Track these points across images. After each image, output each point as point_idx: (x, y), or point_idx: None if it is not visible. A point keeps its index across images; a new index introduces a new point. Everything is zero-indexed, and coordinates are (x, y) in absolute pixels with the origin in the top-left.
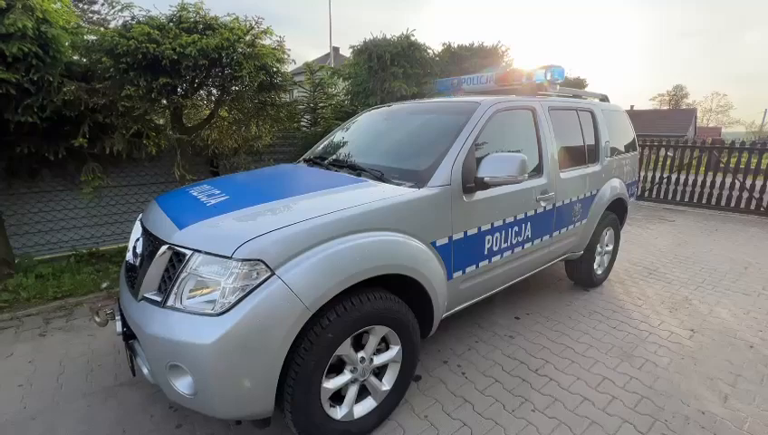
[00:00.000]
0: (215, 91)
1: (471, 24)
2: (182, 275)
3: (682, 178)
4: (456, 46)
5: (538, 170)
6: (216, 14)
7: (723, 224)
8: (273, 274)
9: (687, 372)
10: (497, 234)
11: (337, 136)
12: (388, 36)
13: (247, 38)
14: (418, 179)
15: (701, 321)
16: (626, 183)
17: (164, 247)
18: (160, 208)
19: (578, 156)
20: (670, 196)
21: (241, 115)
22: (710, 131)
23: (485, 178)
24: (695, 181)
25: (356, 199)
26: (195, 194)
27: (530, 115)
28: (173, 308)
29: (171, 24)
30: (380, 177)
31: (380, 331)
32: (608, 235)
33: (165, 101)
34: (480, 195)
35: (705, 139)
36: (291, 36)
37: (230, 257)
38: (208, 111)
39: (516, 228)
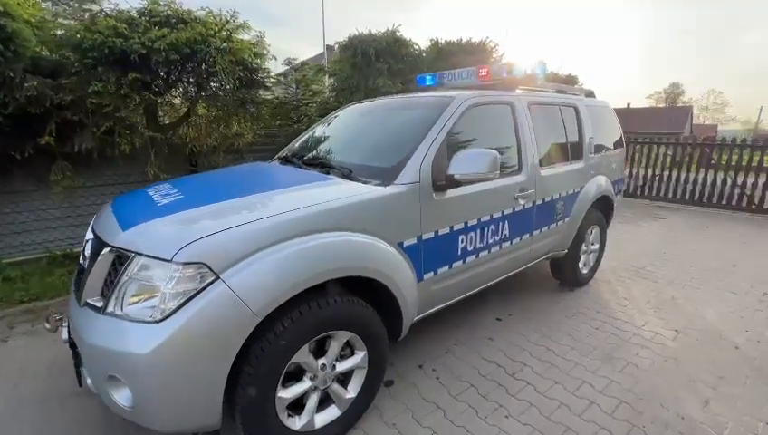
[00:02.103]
0: (191, 87)
1: (470, 20)
2: (123, 280)
3: (675, 175)
4: (443, 42)
5: (517, 167)
6: (189, 8)
7: (714, 221)
8: (217, 277)
9: (669, 374)
10: (472, 233)
11: (313, 133)
12: (375, 32)
13: (222, 33)
14: (386, 177)
15: (686, 321)
16: (612, 180)
17: (106, 249)
18: (111, 209)
19: (560, 153)
20: (663, 193)
21: (220, 112)
22: (706, 129)
23: (456, 176)
24: (687, 178)
25: (316, 198)
26: (151, 193)
27: (508, 110)
28: (113, 315)
29: (142, 17)
30: (348, 174)
31: (343, 336)
32: (593, 233)
33: (138, 98)
34: (452, 193)
35: (698, 136)
36: (288, 35)
37: (170, 261)
38: (185, 109)
39: (493, 227)
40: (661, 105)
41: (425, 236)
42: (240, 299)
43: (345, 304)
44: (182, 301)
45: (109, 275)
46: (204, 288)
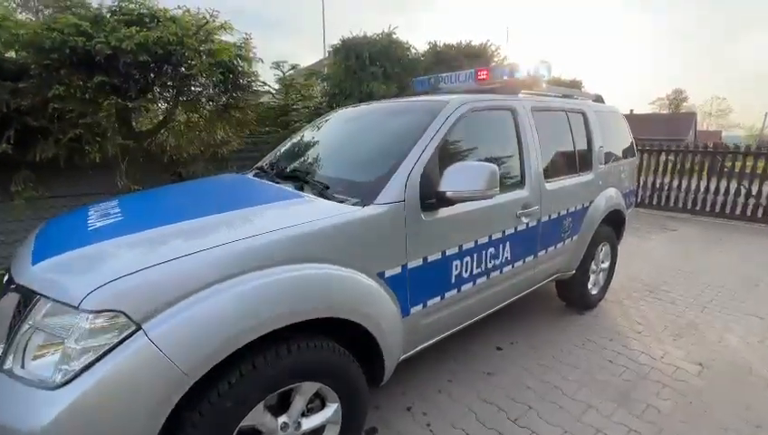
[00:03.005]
0: (169, 91)
1: (473, 25)
2: (23, 328)
3: (684, 183)
4: (442, 45)
5: (519, 181)
6: (164, 7)
7: (728, 233)
8: (138, 328)
9: (697, 421)
10: (467, 258)
11: (296, 140)
12: (370, 34)
13: (200, 33)
14: (366, 194)
15: (710, 352)
16: (623, 192)
17: (11, 287)
18: (35, 234)
19: (567, 163)
20: (672, 203)
21: (201, 119)
22: (710, 135)
23: (447, 193)
24: (697, 187)
25: (276, 222)
26: (89, 214)
27: (509, 116)
28: (9, 373)
29: (113, 15)
30: (323, 191)
31: (310, 388)
32: (603, 251)
33: (107, 103)
34: (444, 212)
35: (707, 143)
36: (292, 41)
37: (77, 307)
38: (163, 114)
39: (492, 250)
40: (664, 111)
41: (411, 265)
42: (166, 356)
43: (312, 351)
44: (91, 359)
45: (14, 319)
46: (120, 342)
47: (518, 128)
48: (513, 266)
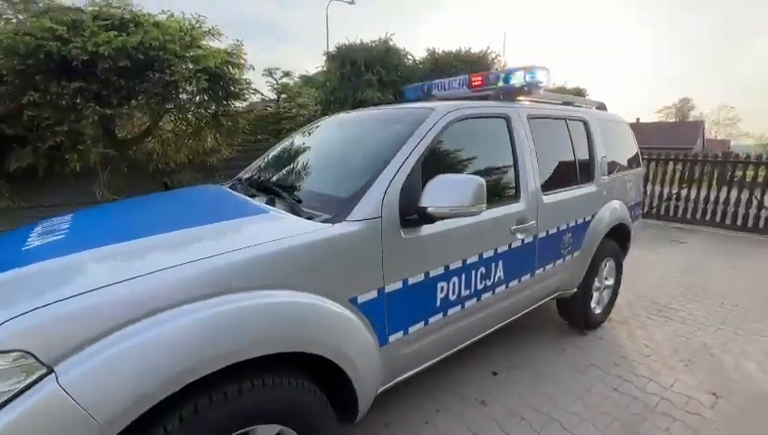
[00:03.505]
0: (154, 98)
1: (477, 33)
2: None
3: (693, 193)
4: (440, 52)
5: (514, 194)
6: (148, 11)
7: (740, 246)
8: (49, 372)
9: None
10: (455, 279)
11: (278, 150)
12: (366, 41)
13: (186, 38)
14: (338, 210)
15: (725, 380)
16: (628, 205)
17: None
18: None
19: (567, 175)
20: (680, 213)
21: (189, 127)
22: (719, 144)
23: (428, 209)
24: (707, 198)
25: (231, 242)
26: (34, 231)
27: (503, 125)
28: None
29: (95, 20)
30: (293, 205)
31: (268, 431)
32: (607, 267)
33: (87, 110)
34: (428, 229)
35: (717, 152)
36: (299, 50)
37: None
38: (149, 122)
39: (483, 270)
40: (671, 120)
41: (389, 288)
42: (79, 406)
43: (270, 389)
44: None
45: None
46: (27, 388)
47: (513, 137)
48: (507, 287)
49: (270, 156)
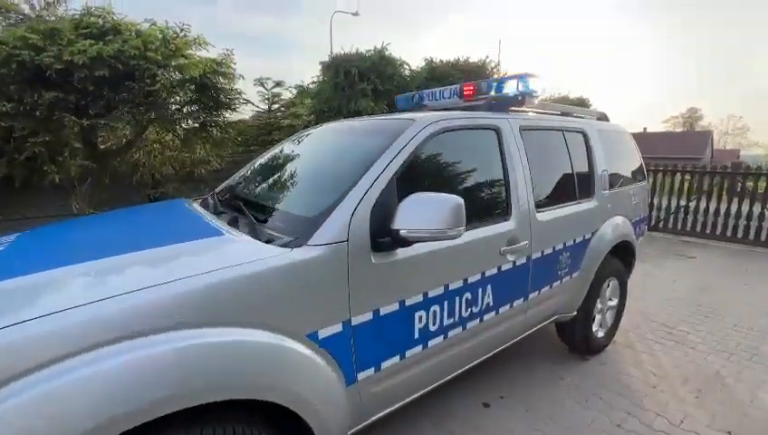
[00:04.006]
0: (138, 109)
1: (478, 43)
2: None
3: (702, 206)
4: (437, 61)
5: (503, 212)
6: (131, 20)
7: (753, 262)
8: None
9: None
10: (435, 307)
11: (256, 163)
12: (362, 50)
13: (169, 47)
14: (301, 232)
15: (740, 415)
16: (632, 220)
17: None
18: None
19: (564, 189)
20: (689, 226)
21: (176, 137)
22: (727, 154)
23: (402, 232)
24: (717, 210)
25: (165, 272)
26: None
27: (492, 137)
28: None
29: (78, 29)
30: (253, 226)
31: None
32: (610, 287)
33: (65, 121)
34: (403, 253)
35: (726, 162)
36: (304, 62)
37: None
38: (133, 133)
39: (468, 296)
40: (679, 130)
41: (357, 320)
42: None
43: None
44: None
45: None
46: None
47: (503, 150)
48: (497, 313)
49: (247, 169)
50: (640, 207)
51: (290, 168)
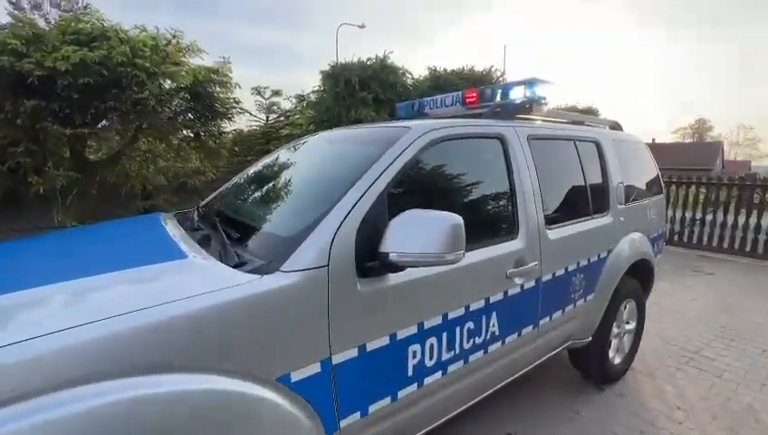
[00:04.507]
0: (127, 117)
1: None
2: None
3: (719, 219)
4: (441, 70)
5: (510, 229)
6: (120, 26)
7: None
8: None
9: None
10: (432, 340)
11: (245, 174)
12: (364, 59)
13: (159, 54)
14: (275, 255)
15: None
16: (650, 236)
17: None
18: None
19: (577, 204)
20: (704, 240)
21: (169, 147)
22: (739, 165)
23: (391, 256)
24: (734, 223)
25: (110, 306)
26: None
27: (497, 147)
28: None
29: (65, 35)
30: (224, 247)
31: None
32: (627, 309)
33: (50, 129)
34: (395, 279)
35: (742, 173)
36: (313, 74)
37: None
38: (122, 142)
39: (471, 325)
40: (688, 141)
41: (339, 358)
42: None
43: None
44: None
45: None
46: None
47: (509, 161)
48: (503, 343)
49: (232, 182)
50: (658, 222)
51: (274, 180)
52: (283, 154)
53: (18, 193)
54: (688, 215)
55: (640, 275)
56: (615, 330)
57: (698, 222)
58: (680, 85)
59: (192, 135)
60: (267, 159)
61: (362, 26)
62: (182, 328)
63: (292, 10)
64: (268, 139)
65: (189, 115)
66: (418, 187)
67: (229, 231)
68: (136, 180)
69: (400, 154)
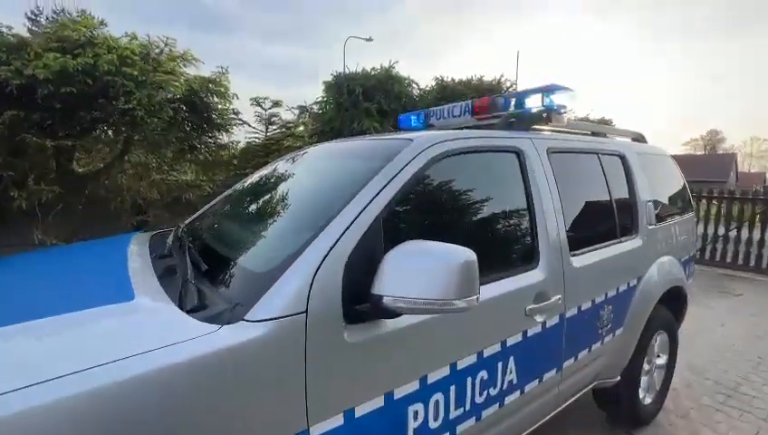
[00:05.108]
0: (113, 128)
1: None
2: None
3: (743, 235)
4: (449, 80)
5: (529, 258)
6: (110, 33)
7: None
8: None
9: None
10: (438, 396)
11: (231, 191)
12: (368, 69)
13: (149, 62)
14: (243, 297)
15: None
16: (681, 260)
17: None
18: None
19: (604, 226)
20: (729, 258)
21: (161, 159)
22: (754, 177)
23: (385, 299)
24: (762, 240)
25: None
26: None
27: (513, 162)
28: None
29: (44, 42)
30: (185, 283)
31: None
32: (658, 342)
33: (33, 141)
34: (392, 324)
35: (745, 184)
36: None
37: None
38: (113, 154)
39: (484, 375)
40: (699, 153)
41: (321, 428)
42: None
43: None
44: None
45: None
46: None
47: (527, 178)
48: (522, 392)
49: (219, 198)
50: (689, 244)
51: (254, 200)
52: (270, 170)
53: (4, 209)
54: (710, 230)
55: (672, 304)
56: (645, 366)
57: (721, 238)
58: (690, 97)
59: (187, 147)
60: (254, 176)
61: (370, 39)
62: (100, 405)
63: (309, 28)
64: (267, 151)
65: (187, 126)
66: (421, 210)
67: (199, 261)
68: (126, 195)
69: (400, 171)
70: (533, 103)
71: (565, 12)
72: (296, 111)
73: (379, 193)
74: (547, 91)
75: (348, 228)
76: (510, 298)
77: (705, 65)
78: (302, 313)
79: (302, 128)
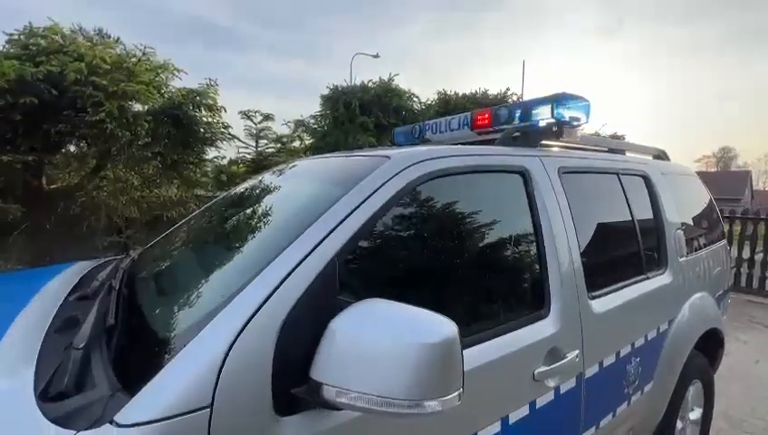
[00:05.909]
0: (82, 142)
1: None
2: None
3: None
4: (452, 94)
5: (537, 304)
6: (81, 40)
7: None
8: None
9: None
10: None
11: (195, 215)
12: (367, 81)
13: (121, 71)
14: (125, 381)
15: None
16: (715, 295)
17: None
18: None
19: (627, 261)
20: (755, 283)
21: (139, 175)
22: None
23: (325, 391)
24: None
25: None
26: None
27: (516, 185)
28: None
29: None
30: (66, 354)
31: None
32: (692, 392)
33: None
34: (346, 415)
35: (760, 202)
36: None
37: None
38: (85, 169)
39: None
40: (712, 170)
41: None
42: None
43: None
44: None
45: None
46: None
47: (534, 204)
48: None
49: (178, 224)
50: (723, 276)
51: (198, 234)
52: (233, 192)
53: None
54: (733, 253)
55: (707, 348)
56: (679, 424)
57: (746, 263)
58: (702, 112)
59: (170, 162)
60: (218, 198)
61: (376, 56)
62: None
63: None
64: (258, 167)
65: (167, 140)
66: (395, 249)
67: (109, 312)
68: (102, 213)
69: (367, 198)
70: (542, 115)
71: (580, 31)
72: (291, 125)
73: (335, 228)
74: (558, 101)
75: (285, 279)
76: (513, 360)
77: (716, 82)
78: (203, 408)
79: (297, 143)
